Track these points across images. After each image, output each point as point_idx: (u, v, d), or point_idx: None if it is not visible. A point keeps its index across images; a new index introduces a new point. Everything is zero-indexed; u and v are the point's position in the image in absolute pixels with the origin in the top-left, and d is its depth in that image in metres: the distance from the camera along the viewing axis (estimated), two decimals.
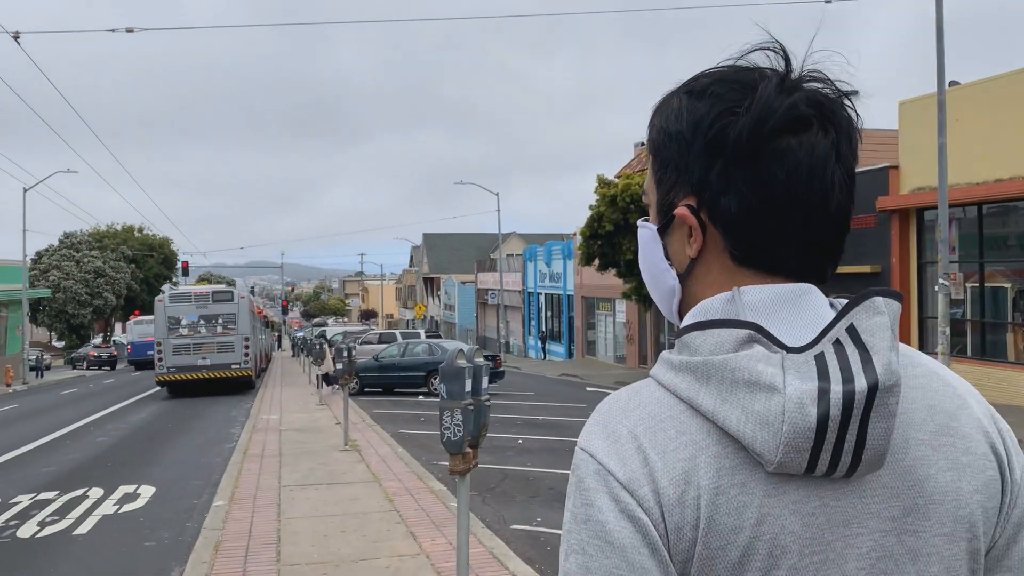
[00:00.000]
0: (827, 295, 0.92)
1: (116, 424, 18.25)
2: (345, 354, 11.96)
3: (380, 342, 34.03)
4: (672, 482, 0.82)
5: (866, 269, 19.06)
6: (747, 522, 0.81)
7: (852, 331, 0.82)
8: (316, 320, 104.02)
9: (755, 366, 0.81)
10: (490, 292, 55.30)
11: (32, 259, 64.23)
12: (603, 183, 26.59)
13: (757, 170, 0.88)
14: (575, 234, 40.71)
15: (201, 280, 72.99)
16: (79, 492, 9.94)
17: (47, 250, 64.86)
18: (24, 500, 9.62)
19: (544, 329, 46.21)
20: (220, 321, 26.17)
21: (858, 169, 0.95)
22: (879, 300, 0.83)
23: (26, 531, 8.11)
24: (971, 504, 0.86)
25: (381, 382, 23.85)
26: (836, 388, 0.79)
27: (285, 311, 65.60)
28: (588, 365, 36.03)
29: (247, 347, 26.30)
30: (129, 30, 19.83)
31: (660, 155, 0.95)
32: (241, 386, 26.81)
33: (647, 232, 0.98)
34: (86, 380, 40.87)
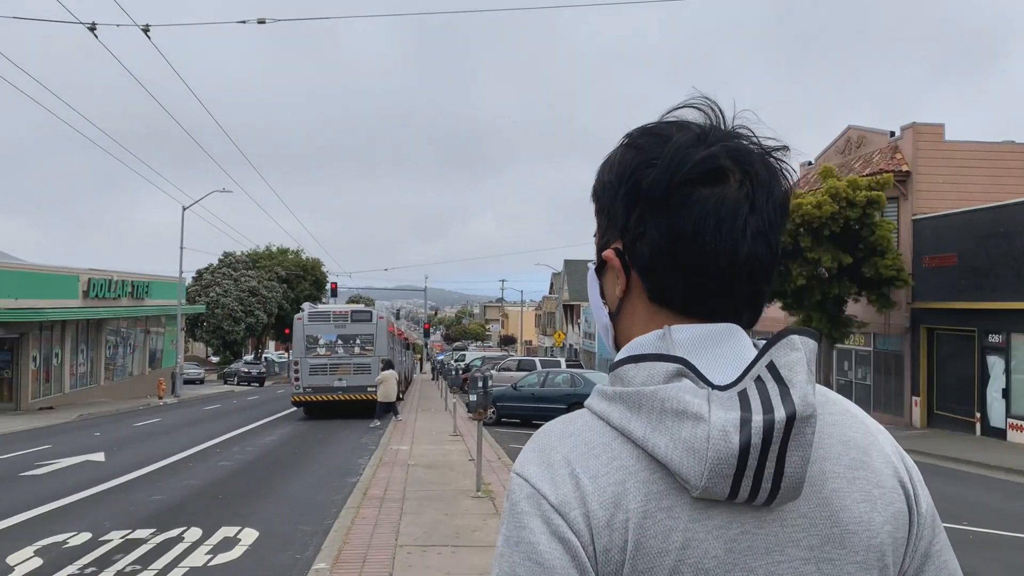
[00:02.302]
0: (751, 336, 0.96)
1: (243, 446, 17.41)
2: (480, 384, 10.26)
3: (519, 369, 32.46)
4: (602, 505, 0.85)
5: None
6: (673, 546, 0.84)
7: (772, 367, 0.86)
8: (456, 344, 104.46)
9: (683, 396, 0.85)
10: None
11: (193, 276, 67.56)
12: None
13: (668, 218, 0.93)
14: None
15: (350, 302, 74.49)
16: (176, 532, 8.66)
17: (207, 268, 67.93)
18: (115, 538, 8.42)
19: None
20: (358, 341, 25.35)
21: None
22: (796, 338, 0.88)
23: None
24: (882, 534, 0.91)
25: (519, 412, 22.17)
26: (757, 418, 0.83)
27: (427, 334, 65.55)
28: None
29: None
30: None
31: (598, 202, 1.02)
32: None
33: (589, 272, 1.05)
34: (233, 396, 41.64)
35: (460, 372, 24.24)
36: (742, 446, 0.82)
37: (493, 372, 10.61)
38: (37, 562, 7.49)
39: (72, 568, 7.27)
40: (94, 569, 7.23)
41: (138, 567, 7.28)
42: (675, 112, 1.00)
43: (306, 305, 26.48)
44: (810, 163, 33.70)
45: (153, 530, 8.76)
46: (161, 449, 16.63)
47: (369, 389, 25.03)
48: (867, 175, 24.35)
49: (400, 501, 9.92)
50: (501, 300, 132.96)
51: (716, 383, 0.88)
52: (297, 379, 24.96)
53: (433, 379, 57.08)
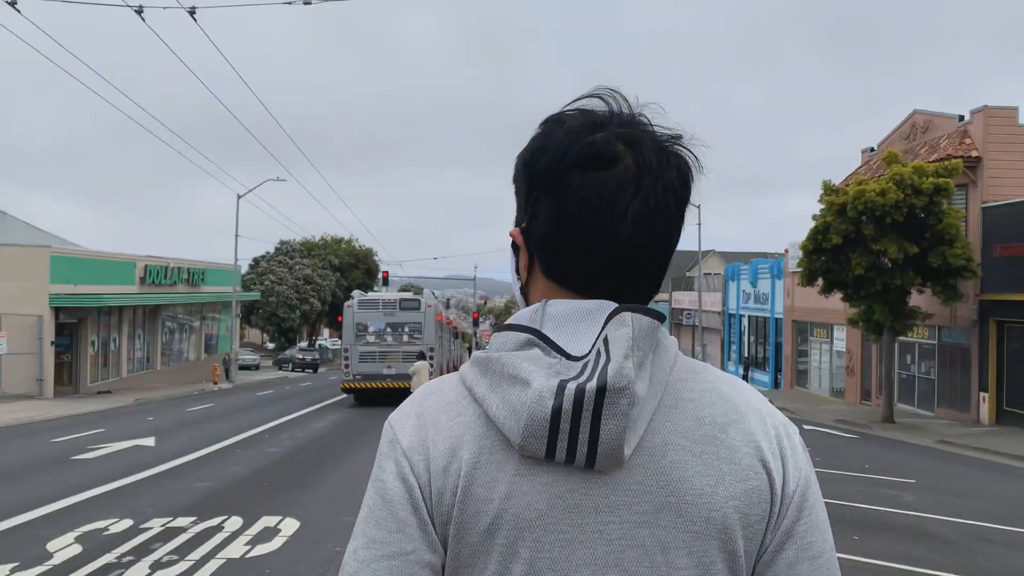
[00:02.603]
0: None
1: (293, 433, 17.40)
2: None
3: None
4: (441, 454, 0.96)
5: None
6: (496, 495, 0.93)
7: (605, 341, 0.94)
8: None
9: (519, 363, 0.94)
10: (685, 312, 52.10)
11: (250, 264, 68.57)
12: (829, 190, 23.10)
13: (555, 200, 1.00)
14: (786, 251, 36.91)
15: (402, 290, 74.81)
16: (217, 521, 8.54)
17: (264, 256, 68.88)
18: (156, 526, 8.32)
19: (747, 355, 42.40)
20: (406, 330, 25.29)
21: None
22: (626, 315, 0.94)
23: (135, 575, 6.67)
24: (726, 508, 0.93)
25: None
26: (571, 386, 0.90)
27: (476, 323, 65.54)
28: (800, 398, 32.12)
29: (432, 358, 25.21)
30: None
31: (514, 184, 1.10)
32: None
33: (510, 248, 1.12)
34: (286, 382, 42.10)
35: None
36: (553, 410, 0.90)
37: None
38: (76, 549, 7.41)
39: (110, 556, 7.16)
40: (132, 558, 7.11)
41: (175, 557, 7.14)
42: (581, 101, 1.05)
43: (356, 293, 26.48)
44: (872, 149, 32.54)
45: (194, 518, 8.65)
46: (211, 434, 16.72)
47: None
48: (934, 161, 23.31)
49: None
50: None
51: (574, 354, 0.96)
52: (347, 366, 25.01)
53: None
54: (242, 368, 51.90)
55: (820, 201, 23.19)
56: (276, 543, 7.66)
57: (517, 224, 1.08)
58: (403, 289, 53.99)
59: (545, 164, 1.01)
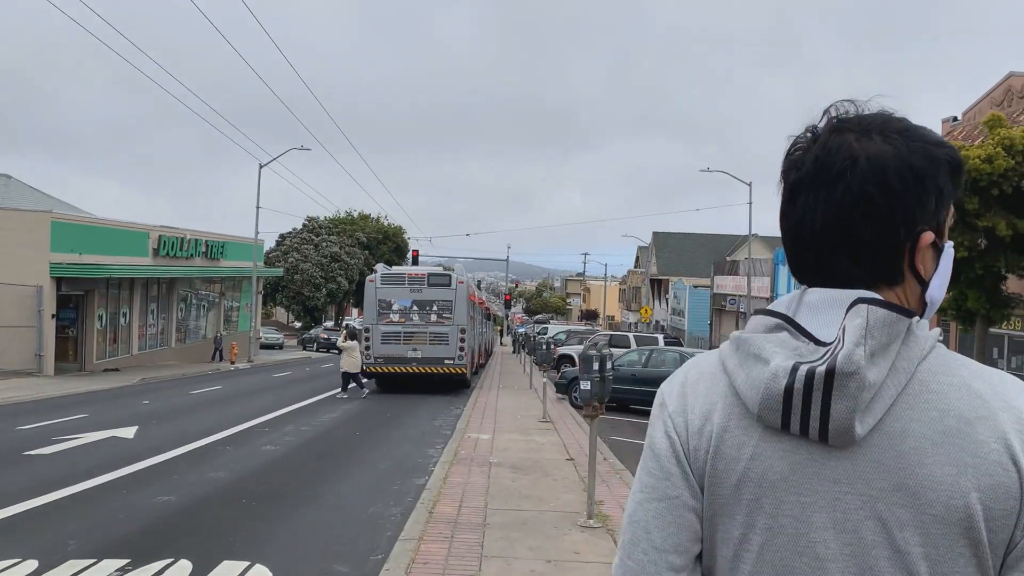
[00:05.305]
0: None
1: (299, 424, 14.89)
2: (596, 366, 7.22)
3: (611, 346, 29.35)
4: (697, 416, 1.10)
5: None
6: (744, 455, 1.05)
7: (842, 329, 1.01)
8: (538, 317, 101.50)
9: (765, 344, 1.05)
10: (729, 298, 48.98)
11: (277, 240, 66.51)
12: None
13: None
14: None
15: None
16: (155, 568, 5.96)
17: (291, 232, 66.73)
18: (65, 575, 5.78)
19: None
20: (435, 308, 22.63)
21: None
22: (861, 307, 1.01)
23: None
24: (968, 499, 0.96)
25: (617, 396, 19.05)
26: (805, 367, 1.00)
27: (508, 305, 62.91)
28: None
29: (463, 340, 22.56)
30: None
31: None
32: (454, 384, 23.16)
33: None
34: (308, 362, 39.78)
35: (551, 347, 21.16)
36: (786, 388, 1.00)
37: (610, 352, 7.65)
38: None
39: None
40: None
41: None
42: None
43: (379, 266, 23.82)
44: (955, 119, 29.28)
45: (125, 562, 6.07)
46: (204, 425, 14.26)
47: (446, 362, 22.38)
48: None
49: (480, 528, 7.02)
50: (582, 275, 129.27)
51: (824, 340, 1.04)
52: (368, 348, 22.45)
53: (514, 352, 54.45)
54: (264, 347, 49.83)
55: None
56: None
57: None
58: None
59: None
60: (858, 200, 1.05)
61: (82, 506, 7.97)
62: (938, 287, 1.10)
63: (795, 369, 0.99)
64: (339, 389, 21.17)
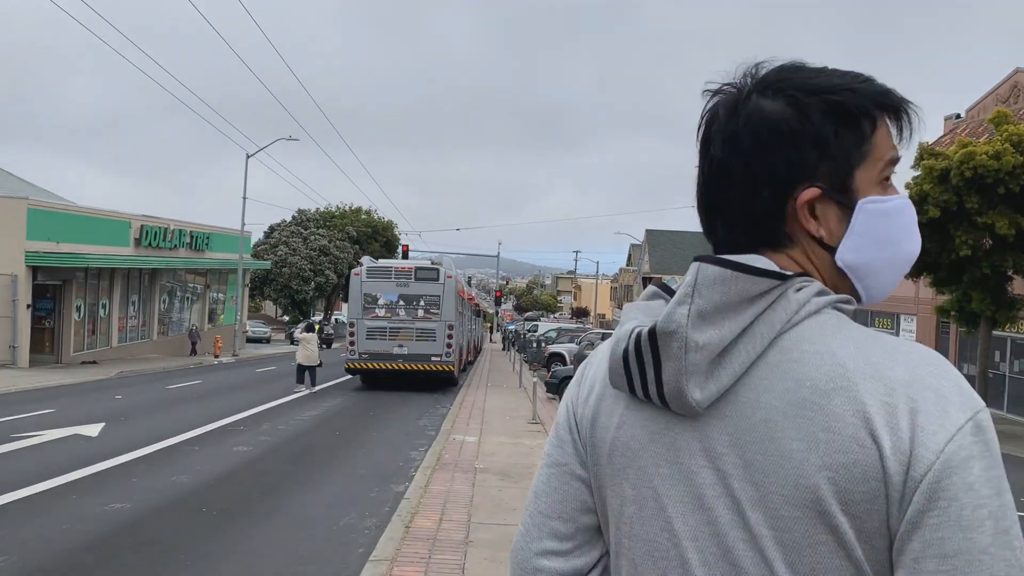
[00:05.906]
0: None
1: (276, 423, 14.15)
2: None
3: None
4: (587, 386, 1.08)
5: None
6: (612, 423, 1.02)
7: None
8: (528, 314, 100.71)
9: (630, 312, 1.02)
10: None
11: (265, 232, 65.57)
12: (928, 153, 19.41)
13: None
14: None
15: None
16: None
17: (279, 224, 65.80)
18: None
19: None
20: (422, 303, 21.93)
21: None
22: (694, 264, 0.96)
23: None
24: (817, 478, 0.87)
25: None
26: (638, 329, 0.96)
27: (498, 302, 62.18)
28: None
29: (451, 337, 21.87)
30: None
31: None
32: (441, 382, 22.46)
33: None
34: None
35: (541, 345, 20.47)
36: (624, 351, 0.97)
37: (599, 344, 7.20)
38: None
39: None
40: None
41: None
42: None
43: (365, 259, 23.10)
44: (958, 116, 28.73)
45: None
46: (175, 423, 13.51)
47: (433, 359, 21.68)
48: None
49: (462, 547, 6.31)
50: (574, 272, 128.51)
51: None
52: (352, 343, 21.74)
53: (503, 349, 53.74)
54: (251, 341, 49.00)
55: (915, 167, 19.54)
56: None
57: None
58: None
59: None
60: (715, 164, 0.99)
61: (22, 515, 7.22)
62: (851, 249, 0.97)
63: (632, 332, 0.97)
64: (321, 386, 20.43)
